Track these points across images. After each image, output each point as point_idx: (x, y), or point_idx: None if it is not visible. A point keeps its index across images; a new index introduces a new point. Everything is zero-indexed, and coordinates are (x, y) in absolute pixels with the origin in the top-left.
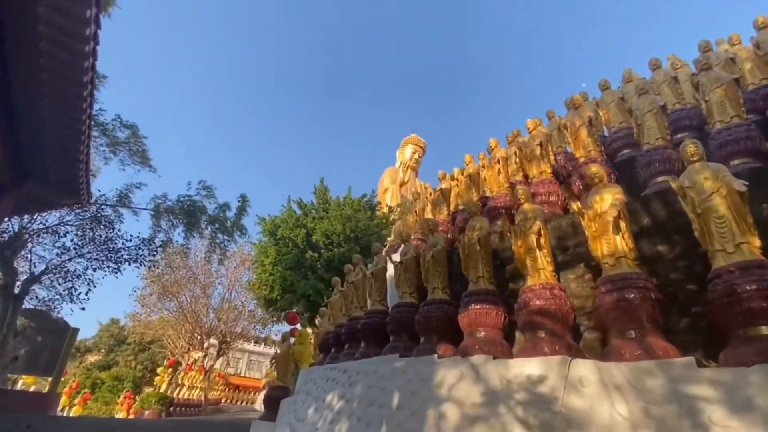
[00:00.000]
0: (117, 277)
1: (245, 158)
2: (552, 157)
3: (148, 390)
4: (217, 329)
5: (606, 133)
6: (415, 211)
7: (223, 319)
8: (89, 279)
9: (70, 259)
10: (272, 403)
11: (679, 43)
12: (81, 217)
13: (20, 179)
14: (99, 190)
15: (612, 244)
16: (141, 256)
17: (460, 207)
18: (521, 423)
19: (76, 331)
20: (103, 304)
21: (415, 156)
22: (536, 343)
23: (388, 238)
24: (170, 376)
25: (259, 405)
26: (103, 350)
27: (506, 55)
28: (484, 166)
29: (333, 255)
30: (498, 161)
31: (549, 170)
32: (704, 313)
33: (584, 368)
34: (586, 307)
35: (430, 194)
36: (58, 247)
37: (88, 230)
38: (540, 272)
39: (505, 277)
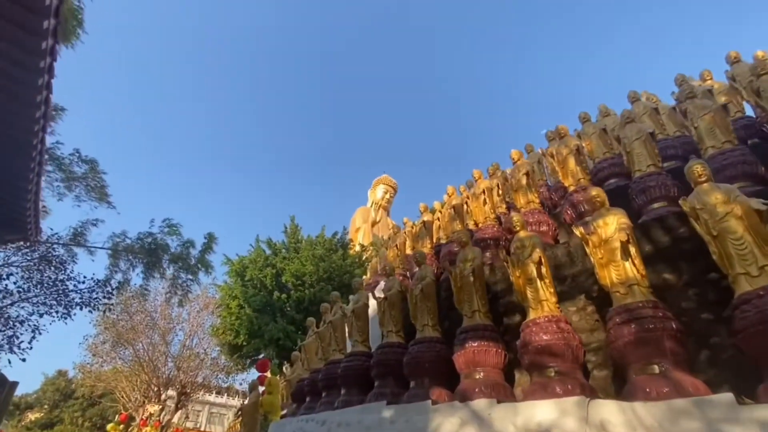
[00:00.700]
0: (66, 323)
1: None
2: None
3: None
4: (176, 379)
5: (589, 164)
6: (396, 246)
7: (183, 368)
8: (34, 325)
9: (12, 304)
10: None
11: (641, 85)
12: (28, 258)
13: None
14: (51, 228)
15: (621, 271)
16: (95, 299)
17: (444, 240)
18: None
19: (14, 384)
20: (49, 354)
21: (387, 196)
22: (546, 384)
23: (364, 277)
24: None
25: None
26: (46, 406)
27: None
28: (468, 197)
29: (303, 296)
30: (483, 192)
31: (537, 200)
32: (733, 343)
33: (606, 410)
34: (591, 343)
35: (412, 226)
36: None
37: (35, 272)
38: (543, 304)
39: (499, 312)
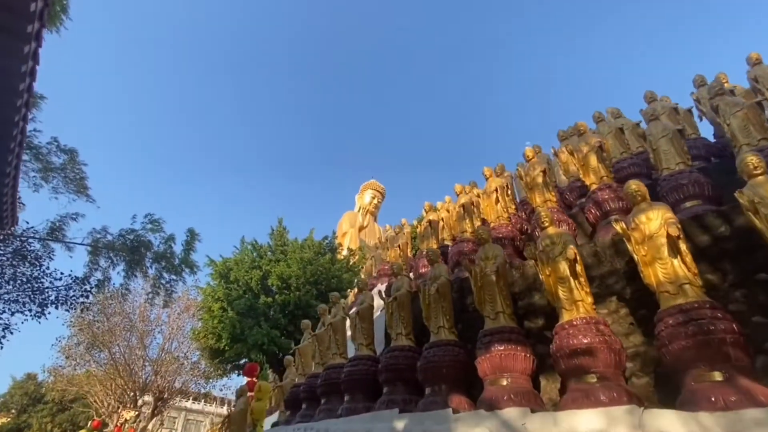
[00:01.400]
0: (40, 323)
1: (194, 200)
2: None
3: None
4: (153, 384)
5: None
6: (398, 246)
7: (161, 372)
8: (5, 324)
9: None
10: None
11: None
12: (1, 252)
13: None
14: (27, 222)
15: (669, 269)
16: (71, 297)
17: (449, 240)
18: None
19: None
20: (18, 356)
21: (375, 201)
22: (588, 391)
23: (356, 280)
24: None
25: None
26: (13, 411)
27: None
28: (479, 195)
29: (288, 299)
30: (496, 190)
31: (554, 198)
32: None
33: (665, 420)
34: (627, 348)
35: (417, 226)
36: None
37: (8, 267)
38: (578, 305)
39: (518, 315)
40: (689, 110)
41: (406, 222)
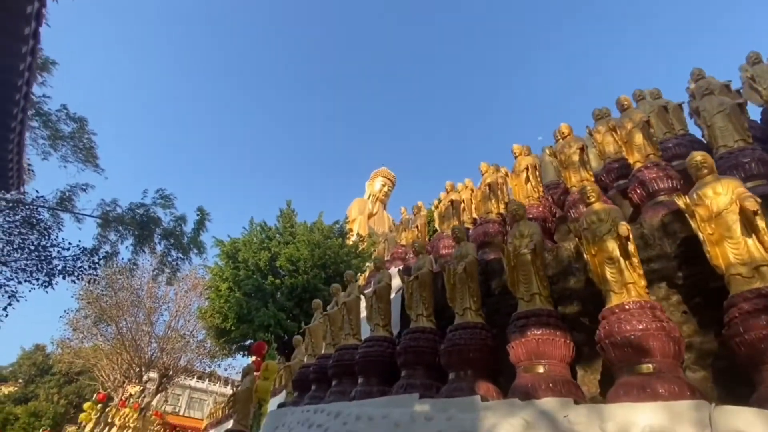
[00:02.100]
0: (47, 292)
1: (202, 180)
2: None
3: (70, 429)
4: (158, 361)
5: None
6: (416, 227)
7: (167, 349)
8: (12, 291)
9: None
10: None
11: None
12: (9, 220)
13: None
14: (36, 191)
15: (742, 249)
16: (79, 268)
17: (468, 222)
18: None
19: None
20: (27, 327)
21: (385, 189)
22: (643, 383)
23: (367, 264)
24: (99, 414)
25: None
26: (21, 381)
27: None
28: (507, 175)
29: (297, 282)
30: (527, 168)
31: (591, 177)
32: None
33: (742, 418)
34: None
35: (437, 206)
36: None
37: (16, 235)
38: (629, 288)
39: (553, 299)
40: (738, 91)
41: (423, 204)
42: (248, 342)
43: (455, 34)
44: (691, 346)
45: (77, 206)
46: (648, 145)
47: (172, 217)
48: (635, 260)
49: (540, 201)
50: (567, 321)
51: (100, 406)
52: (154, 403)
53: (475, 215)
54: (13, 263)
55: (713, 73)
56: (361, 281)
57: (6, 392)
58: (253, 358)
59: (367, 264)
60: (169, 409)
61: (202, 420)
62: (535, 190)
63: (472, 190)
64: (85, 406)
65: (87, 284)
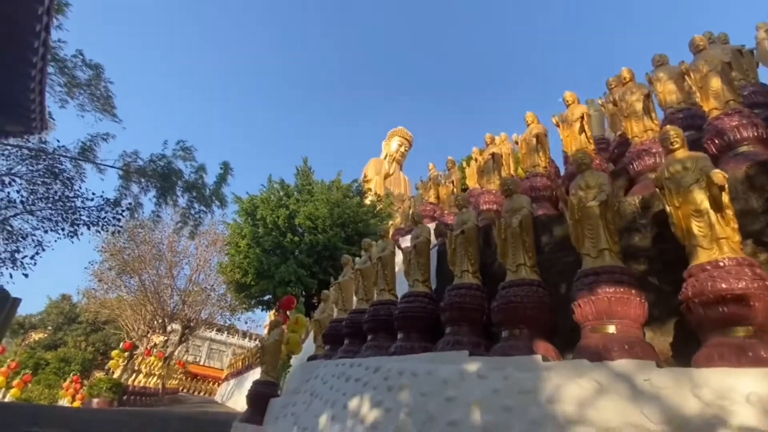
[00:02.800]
0: (73, 242)
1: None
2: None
3: (98, 374)
4: (180, 313)
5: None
6: (451, 182)
7: (189, 302)
8: (38, 240)
9: (15, 215)
10: (258, 402)
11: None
12: (32, 168)
13: None
14: (57, 141)
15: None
16: (103, 219)
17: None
18: None
19: (17, 301)
20: (53, 279)
21: (402, 149)
22: (741, 347)
23: (391, 223)
24: (126, 361)
25: (219, 397)
26: (50, 328)
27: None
28: (558, 124)
29: (316, 240)
30: (582, 117)
31: (657, 127)
32: None
33: None
34: None
35: (476, 159)
36: (1, 200)
37: (40, 185)
38: (721, 243)
39: None
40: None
41: (453, 160)
42: (267, 297)
43: None
44: None
45: (98, 156)
46: (728, 90)
47: (192, 169)
48: (729, 212)
49: (595, 153)
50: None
51: (127, 354)
52: (176, 353)
53: (512, 171)
54: (38, 213)
55: None
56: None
57: (36, 338)
58: (270, 312)
59: (386, 223)
60: (190, 359)
61: (221, 370)
62: (590, 141)
63: (517, 142)
64: (113, 353)
65: (110, 236)
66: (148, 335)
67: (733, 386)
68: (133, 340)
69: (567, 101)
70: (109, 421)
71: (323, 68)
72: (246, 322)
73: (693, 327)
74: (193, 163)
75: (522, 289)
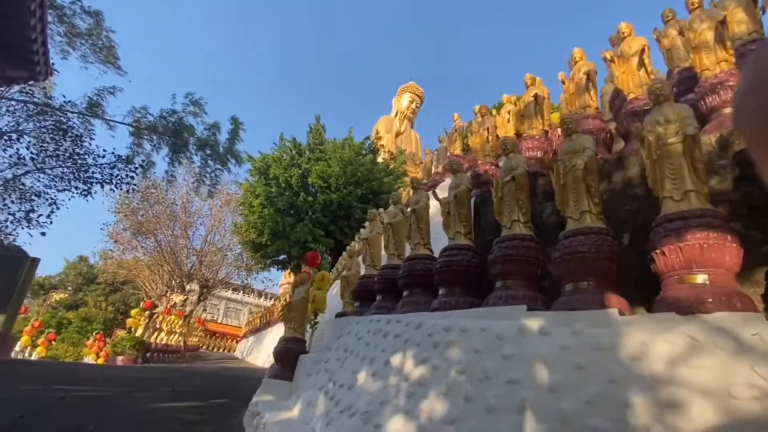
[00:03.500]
0: (87, 201)
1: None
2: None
3: (120, 333)
4: (198, 273)
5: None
6: (486, 129)
7: (206, 262)
8: (52, 199)
9: (26, 173)
10: (288, 359)
11: None
12: (40, 125)
13: None
14: (63, 96)
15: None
16: (117, 177)
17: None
18: None
19: (35, 261)
20: (67, 241)
21: (413, 105)
22: None
23: (404, 183)
24: (147, 320)
25: (239, 353)
26: (70, 289)
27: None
28: (613, 60)
29: (330, 199)
30: (642, 49)
31: (732, 59)
32: None
33: None
34: None
35: (515, 103)
36: (11, 156)
37: (49, 142)
38: None
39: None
40: None
41: (487, 106)
42: (282, 257)
43: None
44: None
45: (106, 112)
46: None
47: (204, 126)
48: None
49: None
50: None
51: (147, 313)
52: (195, 311)
53: (548, 118)
54: (49, 171)
55: None
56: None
57: (57, 299)
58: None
59: (400, 182)
60: (208, 317)
61: (239, 327)
62: (650, 76)
63: (563, 82)
64: (133, 312)
65: (125, 194)
66: (167, 295)
67: None
68: (153, 299)
69: (623, 33)
70: (140, 378)
71: (333, 23)
72: (263, 282)
73: None
74: (204, 119)
75: (589, 237)
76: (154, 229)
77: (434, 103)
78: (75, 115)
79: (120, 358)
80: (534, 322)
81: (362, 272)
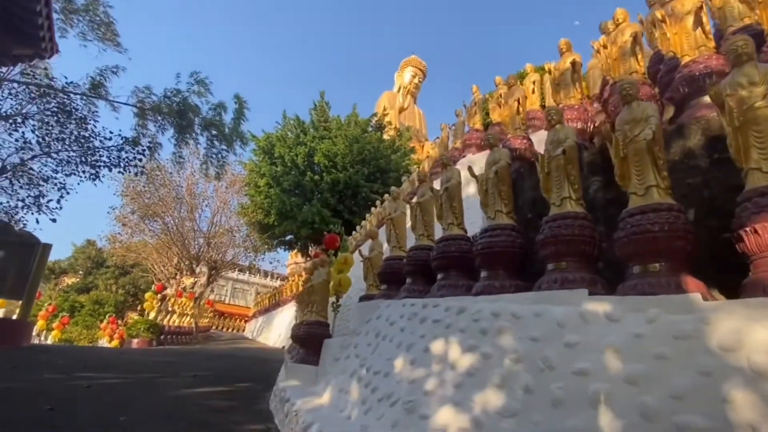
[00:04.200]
0: (96, 185)
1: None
2: None
3: (132, 315)
4: (206, 255)
5: None
6: (516, 100)
7: (213, 244)
8: (61, 184)
9: (33, 158)
10: (312, 343)
11: None
12: (43, 108)
13: None
14: (65, 77)
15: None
16: (124, 159)
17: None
18: None
19: (48, 247)
20: (75, 225)
21: (415, 80)
22: None
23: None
24: (159, 303)
25: (249, 333)
26: (80, 273)
27: None
28: (663, 20)
29: (337, 178)
30: (700, 7)
31: None
32: None
33: None
34: None
35: (552, 70)
36: (17, 141)
37: (54, 125)
38: None
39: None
40: None
41: (515, 76)
42: (288, 237)
43: None
44: None
45: (110, 92)
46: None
47: (210, 106)
48: None
49: (714, 51)
50: None
51: (159, 295)
52: (205, 293)
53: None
54: (55, 155)
55: None
56: (407, 185)
57: (69, 283)
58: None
59: (407, 160)
60: (215, 298)
61: (247, 308)
62: (709, 39)
63: (605, 47)
64: (147, 295)
65: (132, 177)
66: (177, 277)
67: None
68: (162, 281)
69: None
70: (159, 363)
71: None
72: (270, 262)
73: None
74: (209, 98)
75: (660, 215)
76: (161, 211)
77: (435, 79)
78: (78, 96)
79: (135, 341)
80: (599, 307)
81: (388, 254)
